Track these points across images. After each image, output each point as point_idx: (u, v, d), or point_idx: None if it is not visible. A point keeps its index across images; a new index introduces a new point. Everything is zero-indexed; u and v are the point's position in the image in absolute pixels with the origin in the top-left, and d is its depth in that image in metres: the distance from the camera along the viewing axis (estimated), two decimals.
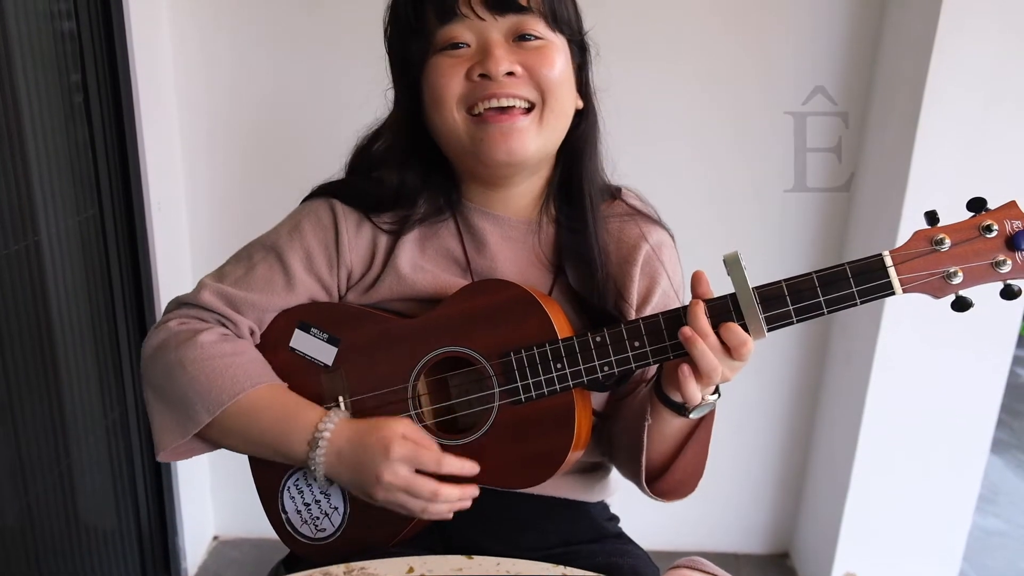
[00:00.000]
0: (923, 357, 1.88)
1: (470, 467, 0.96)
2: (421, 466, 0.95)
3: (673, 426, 0.99)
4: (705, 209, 2.02)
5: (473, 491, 0.97)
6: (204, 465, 2.25)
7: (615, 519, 1.21)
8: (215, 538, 2.34)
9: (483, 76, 0.94)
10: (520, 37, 0.96)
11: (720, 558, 2.31)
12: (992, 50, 1.66)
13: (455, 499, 0.96)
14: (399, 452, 0.94)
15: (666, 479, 1.04)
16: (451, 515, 0.98)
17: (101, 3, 1.65)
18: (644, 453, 1.00)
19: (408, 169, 1.04)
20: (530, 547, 1.08)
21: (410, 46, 0.98)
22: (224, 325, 1.04)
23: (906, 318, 1.84)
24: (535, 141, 0.97)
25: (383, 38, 1.04)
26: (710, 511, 2.30)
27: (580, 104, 1.03)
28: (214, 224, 2.06)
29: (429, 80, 0.97)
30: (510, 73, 0.95)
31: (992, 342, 1.87)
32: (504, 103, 0.95)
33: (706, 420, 1.00)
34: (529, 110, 0.97)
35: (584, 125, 1.04)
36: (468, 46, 0.96)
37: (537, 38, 0.96)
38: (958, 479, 2.00)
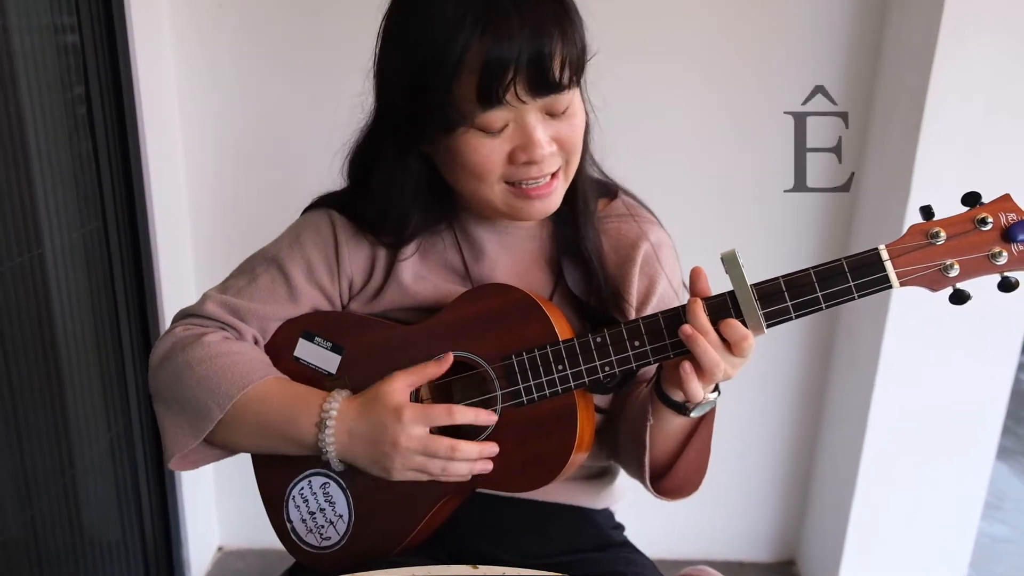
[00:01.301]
0: (928, 363, 1.88)
1: (485, 415, 0.96)
2: (434, 421, 0.95)
3: (675, 425, 0.99)
4: (705, 209, 2.02)
5: (492, 448, 0.97)
6: (208, 476, 2.25)
7: (620, 527, 1.21)
8: (219, 548, 2.33)
9: (527, 161, 0.94)
10: (552, 112, 0.94)
11: (725, 566, 2.30)
12: (994, 55, 1.67)
13: (474, 455, 0.95)
14: (410, 414, 0.94)
15: (670, 478, 1.04)
16: (470, 476, 0.97)
17: (104, 17, 1.66)
18: (648, 453, 1.00)
19: (407, 186, 1.02)
20: (535, 555, 1.08)
21: (432, 111, 0.92)
22: (226, 331, 1.05)
23: (910, 323, 1.83)
24: (561, 193, 0.99)
25: (376, 47, 0.99)
26: (715, 519, 2.29)
27: None
28: (217, 235, 2.07)
29: (462, 153, 0.94)
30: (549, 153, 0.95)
31: (997, 348, 1.87)
32: (542, 180, 0.96)
33: (707, 418, 1.00)
34: (556, 171, 0.98)
35: (584, 135, 1.03)
36: (506, 127, 0.93)
37: (567, 107, 0.95)
38: (964, 486, 2.00)
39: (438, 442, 0.94)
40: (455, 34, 0.87)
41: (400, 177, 1.01)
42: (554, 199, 0.99)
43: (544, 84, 0.90)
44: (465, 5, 0.87)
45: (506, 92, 0.89)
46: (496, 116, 0.91)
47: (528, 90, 0.90)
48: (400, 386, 0.96)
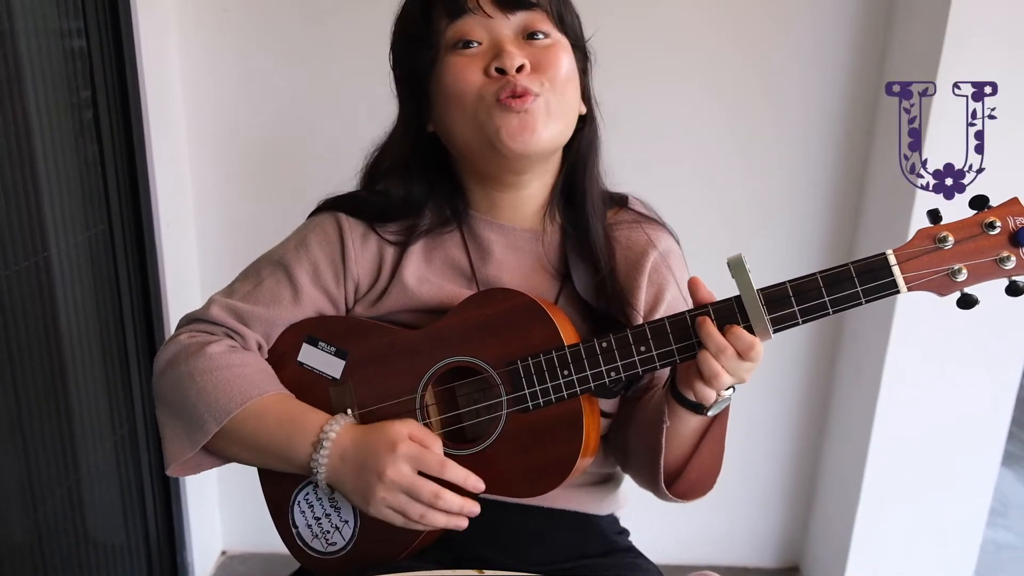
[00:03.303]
0: (933, 369, 1.88)
1: (474, 480, 0.96)
2: (425, 467, 0.95)
3: (690, 425, 0.99)
4: (710, 215, 2.02)
5: (474, 507, 0.97)
6: (212, 480, 2.25)
7: (625, 532, 1.21)
8: (223, 553, 2.33)
9: (499, 71, 0.95)
10: (529, 35, 0.98)
11: (730, 572, 2.30)
12: (999, 60, 1.67)
13: (455, 508, 0.95)
14: (404, 450, 0.94)
15: (683, 479, 1.03)
16: (444, 528, 0.97)
17: (111, 21, 1.67)
18: (663, 456, 0.99)
19: (413, 180, 1.05)
20: (540, 561, 1.08)
21: (419, 52, 0.99)
22: (232, 338, 1.05)
23: (916, 329, 1.83)
24: (544, 127, 0.97)
25: (389, 53, 1.05)
26: (720, 525, 2.28)
27: (583, 109, 1.04)
28: (223, 239, 2.07)
29: (445, 80, 0.98)
30: (521, 67, 0.96)
31: (1003, 353, 1.86)
32: (519, 89, 0.96)
33: (721, 417, 0.99)
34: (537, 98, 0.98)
35: (587, 130, 1.05)
36: (480, 44, 0.97)
37: (545, 36, 0.98)
38: (969, 492, 1.99)
39: (424, 486, 0.94)
40: None
41: (407, 161, 1.04)
42: (533, 120, 0.96)
43: None
44: None
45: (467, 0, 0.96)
46: (466, 27, 0.97)
47: (493, 1, 0.96)
48: (407, 429, 0.96)
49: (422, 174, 1.05)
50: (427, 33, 0.98)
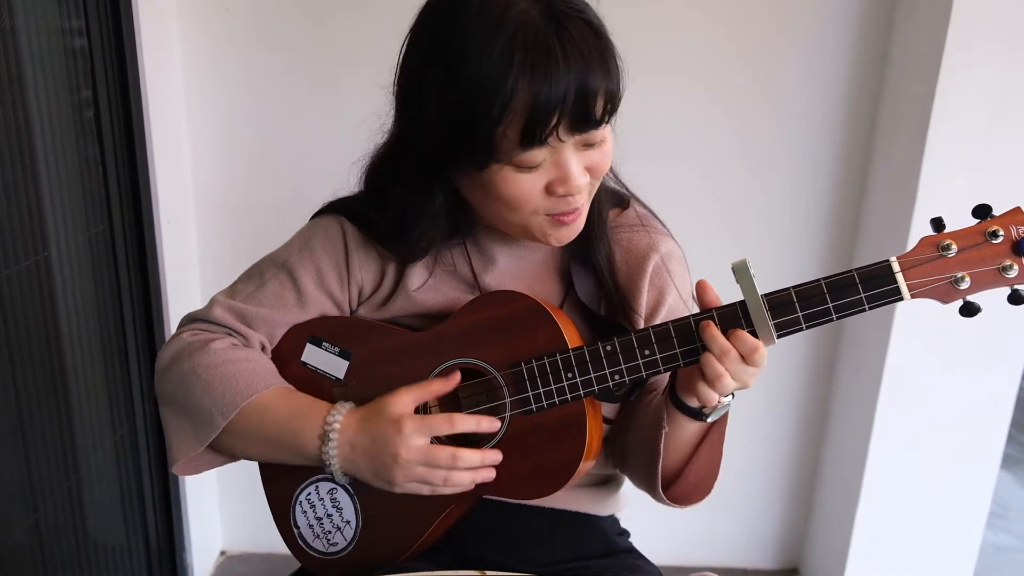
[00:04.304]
0: (933, 371, 1.88)
1: (487, 423, 0.96)
2: (434, 431, 0.95)
3: (689, 431, 0.99)
4: (712, 220, 2.03)
5: (495, 456, 0.96)
6: (212, 480, 2.25)
7: (626, 533, 1.21)
8: (222, 553, 2.33)
9: (565, 194, 0.93)
10: (587, 145, 0.93)
11: (730, 573, 2.31)
12: (1000, 64, 1.67)
13: (476, 462, 0.95)
14: (410, 425, 0.94)
15: (680, 484, 1.03)
16: (473, 485, 0.96)
17: (112, 20, 1.66)
18: (660, 460, 0.99)
19: (427, 207, 1.00)
20: (541, 562, 1.08)
21: (467, 145, 0.90)
22: (233, 337, 1.05)
23: (916, 331, 1.83)
24: (586, 214, 0.99)
25: (400, 66, 0.97)
26: (719, 526, 2.29)
27: None
28: (224, 239, 2.07)
29: (496, 186, 0.92)
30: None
31: (1002, 356, 1.87)
32: (573, 207, 0.95)
33: (720, 423, 1.00)
34: None
35: None
36: (544, 161, 0.91)
37: (602, 141, 0.94)
38: (968, 495, 2.00)
39: (439, 451, 0.94)
40: (504, 75, 0.84)
41: (422, 201, 1.00)
42: (581, 220, 0.98)
43: (586, 122, 0.89)
44: (513, 43, 0.84)
45: (550, 135, 0.87)
46: (536, 155, 0.90)
47: (569, 129, 0.88)
48: (403, 400, 0.96)
49: (435, 205, 1.01)
50: (487, 142, 0.88)
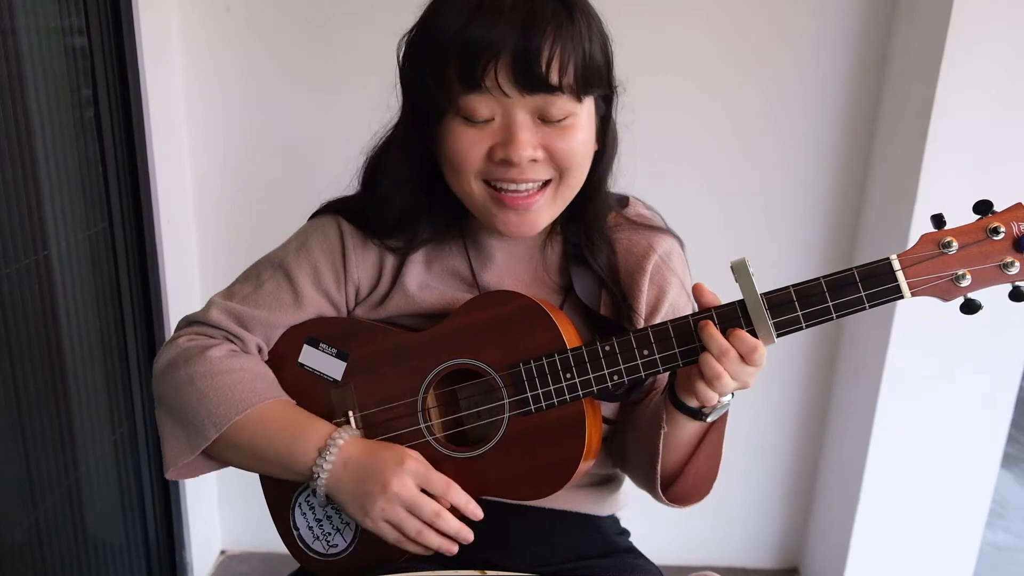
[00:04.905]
0: (933, 371, 1.88)
1: (474, 508, 0.97)
2: (430, 486, 0.95)
3: (688, 431, 0.99)
4: (711, 218, 2.03)
5: (468, 534, 0.97)
6: (212, 480, 2.25)
7: (626, 533, 1.21)
8: (222, 552, 2.33)
9: (504, 160, 0.92)
10: (545, 116, 0.92)
11: (730, 573, 2.30)
12: (1001, 63, 1.67)
13: (453, 531, 0.96)
14: (412, 466, 0.95)
15: (679, 484, 1.03)
16: (435, 550, 0.97)
17: (112, 19, 1.66)
18: (660, 460, 0.99)
19: (416, 189, 1.02)
20: (541, 562, 1.08)
21: (427, 95, 0.93)
22: (231, 342, 1.05)
23: (916, 331, 1.83)
24: (547, 214, 0.98)
25: (396, 56, 1.00)
26: (719, 526, 2.29)
27: (596, 146, 1.00)
28: (223, 239, 2.07)
29: (446, 142, 0.94)
30: (531, 159, 0.92)
31: (1002, 356, 1.86)
32: (522, 187, 0.94)
33: (719, 423, 0.99)
34: (545, 184, 0.96)
35: (600, 166, 1.02)
36: (491, 121, 0.91)
37: (564, 118, 0.92)
38: (968, 494, 1.99)
39: (426, 502, 0.95)
40: (455, 16, 0.88)
41: (407, 176, 1.01)
42: (534, 217, 0.96)
43: (529, 79, 0.88)
44: None
45: (485, 76, 0.88)
46: (479, 103, 0.90)
47: (512, 81, 0.88)
48: (416, 453, 0.97)
49: (422, 187, 1.02)
50: (438, 89, 0.91)
